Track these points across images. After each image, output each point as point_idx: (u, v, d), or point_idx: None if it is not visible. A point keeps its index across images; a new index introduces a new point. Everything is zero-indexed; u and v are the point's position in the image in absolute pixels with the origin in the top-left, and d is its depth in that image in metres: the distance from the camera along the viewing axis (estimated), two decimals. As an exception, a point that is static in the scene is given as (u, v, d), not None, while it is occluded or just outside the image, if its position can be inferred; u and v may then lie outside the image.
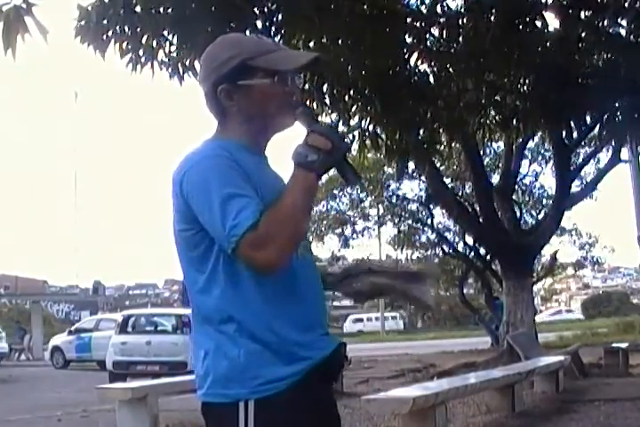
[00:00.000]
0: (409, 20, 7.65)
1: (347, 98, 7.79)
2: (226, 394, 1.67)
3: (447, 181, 17.11)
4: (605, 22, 7.66)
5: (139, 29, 6.59)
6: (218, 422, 1.71)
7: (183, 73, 6.92)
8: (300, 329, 1.68)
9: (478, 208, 14.32)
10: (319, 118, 1.81)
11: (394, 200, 21.44)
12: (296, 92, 1.79)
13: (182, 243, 1.75)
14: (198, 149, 1.75)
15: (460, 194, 18.48)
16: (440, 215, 21.31)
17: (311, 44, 7.22)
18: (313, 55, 1.80)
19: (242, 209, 1.58)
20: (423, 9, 7.82)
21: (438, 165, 14.06)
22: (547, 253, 21.45)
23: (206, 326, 1.71)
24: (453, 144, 11.57)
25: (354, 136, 8.16)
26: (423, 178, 17.53)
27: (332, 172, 1.73)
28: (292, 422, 1.66)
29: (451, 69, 7.77)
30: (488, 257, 19.68)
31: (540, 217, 20.19)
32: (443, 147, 9.89)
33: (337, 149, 1.64)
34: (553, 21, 7.58)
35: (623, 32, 7.89)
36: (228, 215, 1.58)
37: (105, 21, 6.48)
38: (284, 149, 1.80)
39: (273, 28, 6.95)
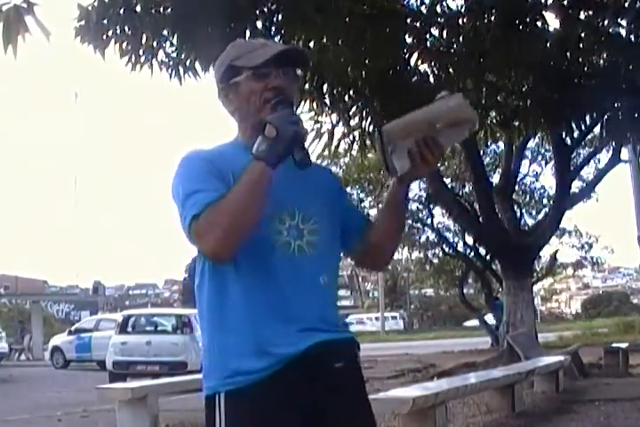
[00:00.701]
0: (409, 20, 7.65)
1: (347, 98, 7.78)
2: (207, 387, 1.76)
3: (447, 181, 17.10)
4: (605, 22, 7.65)
5: (139, 29, 6.59)
6: (205, 414, 1.77)
7: (183, 73, 6.92)
8: (274, 324, 1.72)
9: (478, 208, 14.30)
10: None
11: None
12: (280, 87, 1.80)
13: None
14: (183, 154, 1.86)
15: (459, 194, 18.47)
16: (440, 215, 21.32)
17: (311, 44, 7.22)
18: (283, 47, 1.85)
19: (194, 203, 1.68)
20: (423, 9, 7.81)
21: (438, 164, 14.03)
22: (547, 253, 21.47)
23: (201, 322, 1.82)
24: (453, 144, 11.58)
25: (354, 136, 8.16)
26: (423, 178, 17.52)
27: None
28: (258, 418, 1.69)
29: (451, 69, 7.76)
30: (488, 257, 19.67)
31: (540, 217, 20.18)
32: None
33: (281, 134, 1.67)
34: (553, 21, 7.58)
35: (623, 32, 7.88)
36: (185, 209, 1.70)
37: (105, 21, 6.48)
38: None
39: (273, 28, 6.94)
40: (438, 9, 7.69)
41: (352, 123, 8.10)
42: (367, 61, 7.38)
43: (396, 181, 1.89)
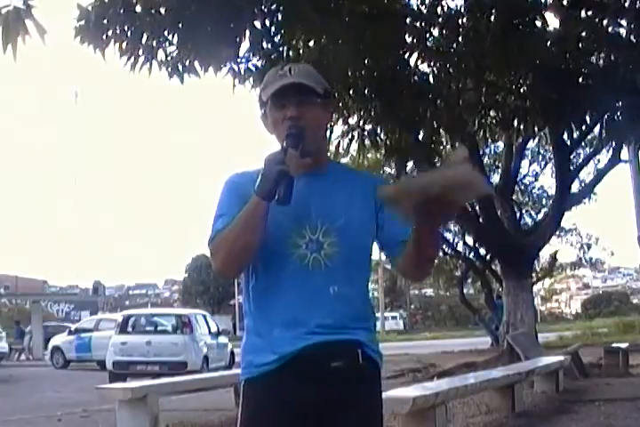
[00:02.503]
0: (409, 20, 7.65)
1: (347, 98, 7.78)
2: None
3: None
4: (605, 22, 7.65)
5: (139, 29, 6.59)
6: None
7: (183, 73, 6.91)
8: (280, 327, 1.93)
9: (478, 208, 14.30)
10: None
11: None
12: (293, 117, 1.94)
13: None
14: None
15: (459, 194, 18.43)
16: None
17: (311, 43, 7.23)
18: (282, 83, 1.95)
19: (215, 226, 1.95)
20: (423, 9, 7.82)
21: (438, 165, 14.05)
22: (546, 253, 21.47)
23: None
24: (454, 144, 11.58)
25: (353, 136, 8.16)
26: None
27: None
28: (261, 405, 1.94)
29: (451, 69, 7.76)
30: (488, 257, 19.67)
31: (540, 217, 20.18)
32: (443, 147, 9.88)
33: (266, 173, 1.85)
34: (553, 21, 7.59)
35: (623, 32, 7.88)
36: (211, 230, 1.96)
37: (105, 21, 6.49)
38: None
39: (273, 28, 6.95)
40: (438, 9, 7.70)
41: (351, 122, 8.10)
42: (367, 61, 7.38)
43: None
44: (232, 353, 16.71)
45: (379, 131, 8.08)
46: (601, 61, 8.34)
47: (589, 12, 7.74)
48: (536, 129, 8.89)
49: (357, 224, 1.98)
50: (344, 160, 19.81)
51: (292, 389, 1.90)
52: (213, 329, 16.11)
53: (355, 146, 8.30)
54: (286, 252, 1.94)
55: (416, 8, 7.84)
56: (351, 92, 7.73)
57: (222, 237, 1.90)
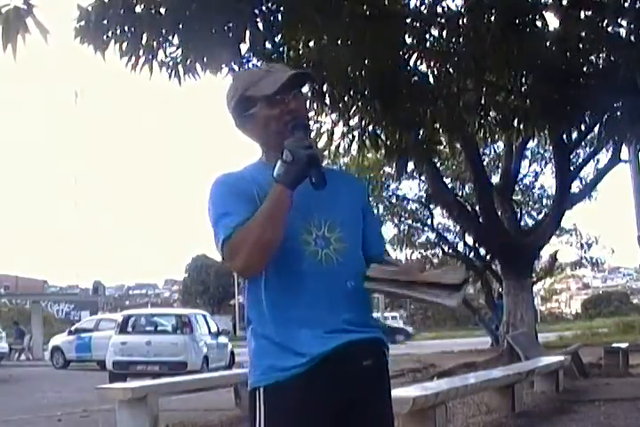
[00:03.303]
0: (409, 20, 7.65)
1: (347, 98, 7.78)
2: (249, 383, 1.94)
3: (447, 181, 17.10)
4: (605, 22, 7.65)
5: (139, 29, 6.58)
6: (249, 405, 1.95)
7: (183, 73, 6.91)
8: (302, 327, 1.87)
9: (478, 208, 14.31)
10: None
11: (393, 200, 21.44)
12: (295, 110, 1.94)
13: None
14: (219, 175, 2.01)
15: (460, 194, 18.47)
16: (440, 215, 21.32)
17: (311, 44, 7.23)
18: (291, 73, 1.95)
19: (224, 226, 1.86)
20: (423, 9, 7.82)
21: (438, 165, 14.06)
22: (546, 253, 21.46)
23: (248, 329, 1.98)
24: (453, 144, 11.57)
25: (353, 136, 8.16)
26: (423, 178, 17.53)
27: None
28: (292, 410, 1.84)
29: (451, 69, 7.76)
30: (488, 257, 19.68)
31: (540, 217, 20.19)
32: (442, 147, 9.88)
33: (296, 159, 1.81)
34: (553, 21, 7.58)
35: (623, 32, 7.88)
36: (217, 232, 1.88)
37: (105, 21, 6.48)
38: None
39: (273, 29, 6.94)
40: (438, 9, 7.70)
41: (352, 122, 8.10)
42: (367, 61, 7.38)
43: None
44: (232, 353, 16.73)
45: (379, 131, 8.08)
46: (601, 61, 8.34)
47: (589, 12, 7.74)
48: (536, 129, 8.88)
49: (354, 220, 2.02)
50: (344, 160, 19.84)
51: (325, 390, 1.85)
52: (213, 329, 16.11)
53: (355, 146, 8.29)
54: (299, 248, 1.90)
55: (416, 8, 7.85)
56: (351, 92, 7.73)
57: (244, 234, 1.81)
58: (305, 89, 7.57)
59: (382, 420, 2.00)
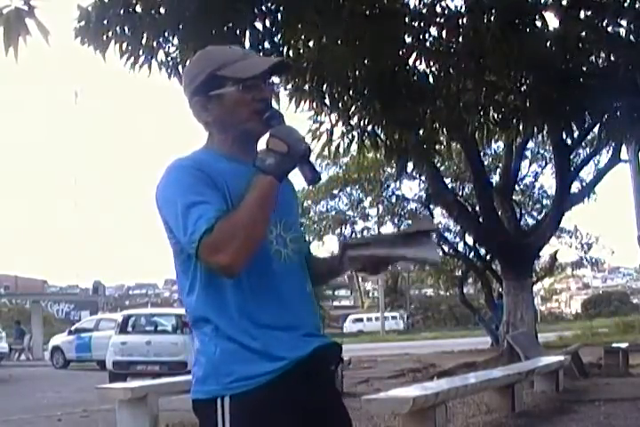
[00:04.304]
0: (409, 19, 7.64)
1: (347, 98, 7.78)
2: (204, 390, 1.75)
3: (447, 181, 17.11)
4: (605, 22, 7.65)
5: (138, 29, 6.58)
6: (201, 418, 1.78)
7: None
8: (277, 330, 1.75)
9: (478, 208, 14.31)
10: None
11: (393, 200, 21.44)
12: (268, 98, 1.85)
13: (171, 250, 1.85)
14: (171, 162, 1.81)
15: (460, 194, 18.47)
16: (440, 215, 21.31)
17: (311, 44, 7.22)
18: (276, 60, 1.87)
19: (200, 216, 1.65)
20: (423, 9, 7.81)
21: (438, 165, 14.06)
22: (546, 253, 21.46)
23: (193, 328, 1.82)
24: (453, 144, 11.57)
25: (353, 136, 8.16)
26: (423, 178, 17.54)
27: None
28: (265, 420, 1.71)
29: (451, 69, 7.76)
30: (488, 257, 19.67)
31: (540, 217, 20.18)
32: (442, 147, 9.88)
33: (293, 151, 1.71)
34: (553, 21, 7.58)
35: (623, 32, 7.88)
36: (189, 222, 1.66)
37: (105, 22, 6.48)
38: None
39: (273, 29, 6.94)
40: (438, 9, 7.69)
41: (351, 122, 8.09)
42: (367, 61, 7.37)
43: (344, 257, 1.89)
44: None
45: (378, 131, 8.08)
46: (601, 61, 8.34)
47: (589, 12, 7.73)
48: (536, 129, 8.88)
49: (298, 221, 1.96)
50: (344, 160, 19.81)
51: (299, 395, 1.74)
52: (213, 329, 16.10)
53: (354, 146, 8.29)
54: (267, 247, 1.77)
55: (416, 8, 7.83)
56: (351, 91, 7.73)
57: (233, 225, 1.64)
58: (306, 87, 7.67)
59: (347, 419, 1.91)
